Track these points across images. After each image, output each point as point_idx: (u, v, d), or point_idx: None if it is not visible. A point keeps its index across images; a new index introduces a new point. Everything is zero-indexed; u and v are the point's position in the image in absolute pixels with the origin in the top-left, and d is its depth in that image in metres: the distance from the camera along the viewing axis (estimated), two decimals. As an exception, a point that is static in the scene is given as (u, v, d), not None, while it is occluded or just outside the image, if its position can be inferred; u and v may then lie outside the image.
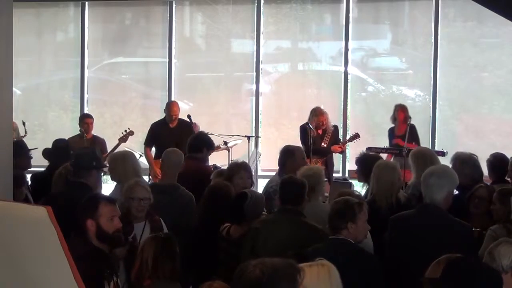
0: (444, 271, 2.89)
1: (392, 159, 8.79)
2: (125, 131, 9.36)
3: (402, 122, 9.38)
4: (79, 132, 9.57)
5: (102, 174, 5.60)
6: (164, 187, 5.89)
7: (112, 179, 6.12)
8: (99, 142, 9.43)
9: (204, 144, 7.13)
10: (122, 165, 5.94)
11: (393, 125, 9.62)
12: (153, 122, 9.66)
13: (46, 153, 7.45)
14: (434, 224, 4.69)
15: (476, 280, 2.81)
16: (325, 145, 9.16)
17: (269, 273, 2.40)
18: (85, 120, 9.70)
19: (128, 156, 6.19)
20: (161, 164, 6.57)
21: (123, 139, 9.30)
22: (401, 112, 9.45)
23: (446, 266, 2.91)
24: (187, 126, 9.16)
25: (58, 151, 7.14)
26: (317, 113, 9.16)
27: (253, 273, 2.40)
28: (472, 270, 2.86)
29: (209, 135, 7.82)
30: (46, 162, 7.46)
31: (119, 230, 4.10)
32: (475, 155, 6.28)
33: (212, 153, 8.68)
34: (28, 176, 7.08)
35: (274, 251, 4.30)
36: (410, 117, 9.12)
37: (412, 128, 9.14)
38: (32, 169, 7.47)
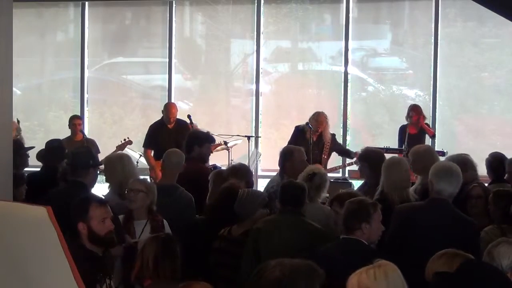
0: (457, 271, 2.88)
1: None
2: (124, 139, 9.31)
3: (415, 122, 9.41)
4: (70, 134, 9.55)
5: (98, 172, 5.60)
6: (164, 188, 5.88)
7: (107, 181, 6.06)
8: (90, 143, 9.40)
9: (194, 141, 7.02)
10: (117, 168, 5.89)
11: (405, 123, 9.59)
12: (152, 122, 9.66)
13: (40, 155, 7.39)
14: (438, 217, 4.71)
15: (488, 283, 2.80)
16: (325, 156, 9.07)
17: (289, 274, 2.39)
18: (73, 122, 9.62)
19: (123, 159, 6.14)
20: (161, 164, 6.56)
21: (121, 147, 9.22)
22: (415, 113, 9.46)
23: (460, 266, 2.90)
24: (185, 126, 9.15)
25: (52, 152, 7.10)
26: (315, 118, 9.01)
27: (273, 273, 2.40)
28: (485, 273, 2.85)
29: (201, 131, 7.71)
30: (37, 162, 7.43)
31: (111, 231, 4.10)
32: (468, 155, 6.23)
33: (212, 148, 8.64)
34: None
35: (276, 251, 4.31)
36: (425, 117, 9.50)
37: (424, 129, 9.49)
38: (28, 168, 7.46)
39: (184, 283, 3.33)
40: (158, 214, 5.23)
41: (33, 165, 8.07)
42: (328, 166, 9.15)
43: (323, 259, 4.11)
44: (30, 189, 6.47)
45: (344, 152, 9.36)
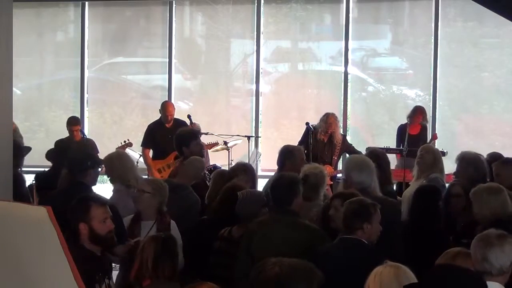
0: (425, 279, 2.91)
1: (400, 158, 8.82)
2: (124, 141, 9.28)
3: (417, 124, 9.43)
4: (68, 135, 9.53)
5: (100, 169, 5.59)
6: (173, 186, 5.88)
7: (110, 179, 6.09)
8: (89, 144, 9.37)
9: (180, 144, 7.01)
10: (120, 164, 5.93)
11: (404, 122, 9.54)
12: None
13: (49, 154, 7.41)
14: None
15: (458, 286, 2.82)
16: (335, 158, 9.05)
17: (288, 271, 2.40)
18: (71, 128, 9.53)
19: (123, 155, 6.19)
20: (180, 165, 6.56)
21: (121, 149, 9.21)
22: (419, 115, 9.45)
23: (426, 274, 2.93)
24: (183, 125, 9.13)
25: (61, 151, 7.14)
26: (325, 120, 9.02)
27: (272, 270, 2.41)
28: (454, 277, 2.86)
29: (184, 130, 7.68)
30: (37, 162, 7.44)
31: (111, 231, 4.12)
32: (481, 155, 6.28)
33: (208, 148, 8.63)
34: (27, 176, 7.09)
35: (269, 251, 4.28)
36: (427, 121, 9.58)
37: (426, 130, 9.55)
38: (25, 168, 7.48)
39: (191, 284, 3.35)
40: (167, 215, 5.22)
41: (30, 165, 8.10)
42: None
43: (323, 258, 4.13)
44: (38, 188, 6.51)
45: (354, 153, 9.28)
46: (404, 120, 9.51)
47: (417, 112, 9.47)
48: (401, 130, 9.52)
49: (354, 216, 4.36)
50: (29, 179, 7.37)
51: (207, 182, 7.01)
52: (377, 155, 6.19)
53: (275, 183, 4.97)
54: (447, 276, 2.84)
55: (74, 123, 9.63)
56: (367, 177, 5.26)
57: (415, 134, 9.29)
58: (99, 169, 5.56)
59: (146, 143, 9.29)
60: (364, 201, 4.48)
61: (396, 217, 5.24)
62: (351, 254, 4.26)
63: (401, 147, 8.97)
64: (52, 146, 9.41)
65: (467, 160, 6.13)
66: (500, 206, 4.92)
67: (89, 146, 8.98)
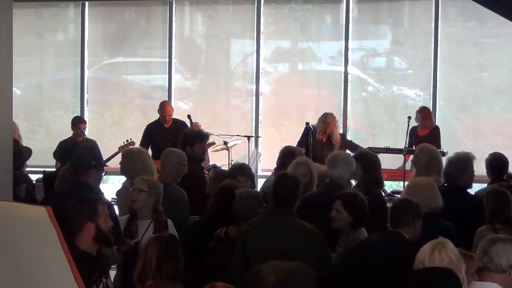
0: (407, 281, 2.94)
1: (409, 160, 8.80)
2: (127, 141, 9.30)
3: (423, 125, 9.41)
4: (71, 134, 9.57)
5: (103, 173, 5.60)
6: None
7: (124, 174, 6.12)
8: (90, 144, 9.39)
9: (185, 142, 7.00)
10: (135, 162, 5.97)
11: (415, 125, 9.53)
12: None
13: (58, 153, 7.41)
14: None
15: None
16: None
17: (284, 278, 2.39)
18: (78, 126, 9.62)
19: (142, 153, 6.24)
20: (160, 163, 6.59)
21: (123, 148, 9.24)
22: (423, 116, 9.43)
23: (408, 277, 2.98)
24: (182, 125, 9.14)
25: (69, 151, 7.15)
26: (323, 120, 9.03)
27: (269, 278, 2.39)
28: (432, 279, 2.89)
29: (193, 130, 7.67)
30: (37, 162, 7.42)
31: (110, 230, 4.22)
32: (469, 156, 6.16)
33: (207, 147, 8.63)
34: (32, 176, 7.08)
35: (264, 253, 4.27)
36: (432, 121, 9.51)
37: (436, 130, 9.41)
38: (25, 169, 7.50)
39: (209, 284, 3.36)
40: (163, 213, 5.23)
41: (31, 165, 8.10)
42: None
43: (369, 248, 4.47)
44: (46, 188, 6.52)
45: (355, 149, 9.24)
46: (405, 120, 9.52)
47: (418, 112, 9.48)
48: (412, 133, 9.49)
49: (406, 212, 4.53)
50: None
51: (206, 182, 7.02)
52: (364, 157, 6.16)
53: (279, 182, 4.91)
54: (424, 277, 2.88)
55: (80, 121, 9.76)
56: (343, 172, 5.66)
57: (423, 135, 9.28)
58: (102, 172, 5.56)
59: (144, 143, 9.30)
60: (413, 199, 4.66)
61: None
62: (396, 248, 4.38)
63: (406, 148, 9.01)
64: (53, 146, 9.44)
65: (448, 161, 6.12)
66: (426, 201, 4.98)
67: (94, 147, 9.00)
